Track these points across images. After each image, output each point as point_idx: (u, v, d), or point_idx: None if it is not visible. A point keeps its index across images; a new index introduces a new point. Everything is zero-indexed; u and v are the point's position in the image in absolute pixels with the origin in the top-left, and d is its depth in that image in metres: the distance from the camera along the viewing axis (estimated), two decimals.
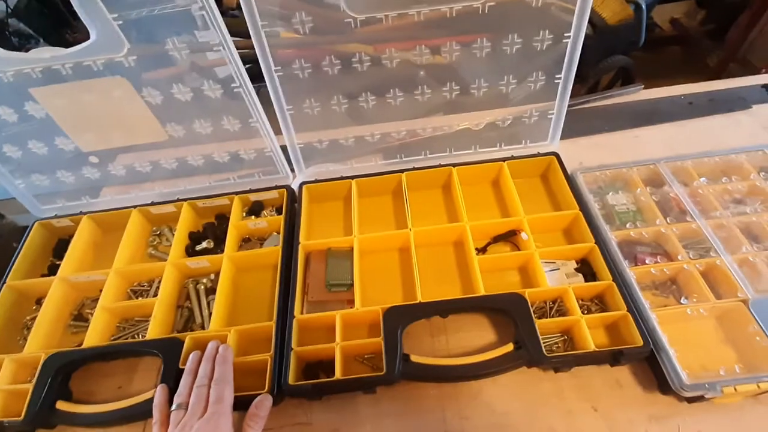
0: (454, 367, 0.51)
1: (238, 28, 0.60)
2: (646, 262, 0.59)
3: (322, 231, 0.69)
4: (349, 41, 0.59)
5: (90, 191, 0.72)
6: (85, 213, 0.71)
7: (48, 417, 0.52)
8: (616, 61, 1.54)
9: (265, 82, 0.60)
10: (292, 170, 0.73)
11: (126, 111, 0.59)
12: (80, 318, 0.64)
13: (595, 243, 0.59)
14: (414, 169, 0.71)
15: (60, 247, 0.72)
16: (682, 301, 0.56)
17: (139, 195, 0.73)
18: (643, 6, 1.45)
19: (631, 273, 0.56)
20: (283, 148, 0.70)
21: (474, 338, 0.58)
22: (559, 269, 0.61)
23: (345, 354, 0.54)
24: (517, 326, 0.53)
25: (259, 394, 0.50)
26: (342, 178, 0.72)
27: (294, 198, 0.71)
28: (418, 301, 0.56)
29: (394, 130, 0.71)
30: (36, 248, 0.71)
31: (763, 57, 1.83)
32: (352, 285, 0.61)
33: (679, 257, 0.58)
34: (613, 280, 0.56)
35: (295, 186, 0.72)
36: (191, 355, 0.52)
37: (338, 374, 0.51)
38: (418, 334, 0.59)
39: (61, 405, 0.53)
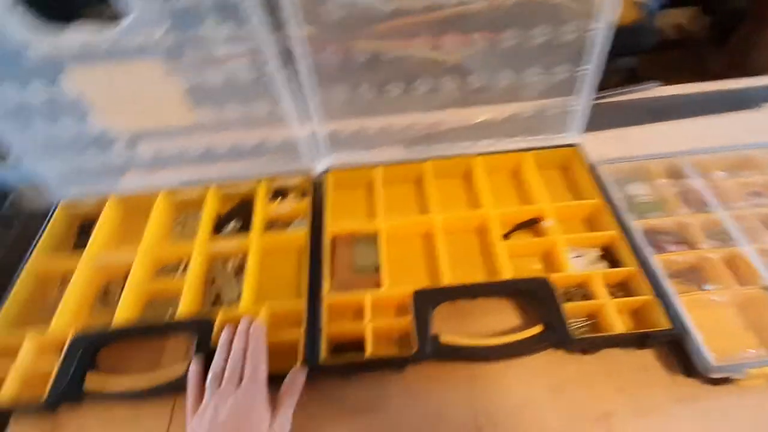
0: (484, 348, 0.52)
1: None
2: (670, 250, 0.60)
3: (346, 217, 0.70)
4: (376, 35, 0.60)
5: (115, 173, 0.72)
6: (110, 195, 0.71)
7: (74, 395, 0.52)
8: (624, 63, 1.56)
9: (294, 68, 0.61)
10: (317, 157, 0.74)
11: (158, 93, 0.60)
12: (107, 298, 0.64)
13: (620, 231, 0.60)
14: (438, 157, 0.72)
15: (84, 229, 0.72)
16: (704, 287, 0.57)
17: (164, 179, 0.73)
18: (652, 9, 1.47)
19: (655, 260, 0.57)
20: (309, 136, 0.71)
21: (499, 322, 0.59)
22: (582, 256, 0.62)
23: (376, 333, 0.55)
24: (543, 309, 0.54)
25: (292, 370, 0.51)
26: (366, 165, 0.72)
27: (318, 184, 0.72)
28: (446, 285, 0.57)
29: (418, 121, 0.72)
30: (60, 229, 0.71)
31: (765, 64, 1.86)
32: (378, 268, 0.61)
33: (702, 245, 0.59)
34: (639, 267, 0.57)
35: (319, 172, 0.73)
36: (224, 329, 0.52)
37: (368, 353, 0.52)
38: (444, 318, 0.59)
39: (90, 382, 0.54)
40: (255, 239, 0.64)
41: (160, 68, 0.57)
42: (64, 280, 0.66)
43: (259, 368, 0.48)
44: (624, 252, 0.59)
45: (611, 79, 1.65)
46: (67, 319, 0.59)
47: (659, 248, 0.61)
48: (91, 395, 0.53)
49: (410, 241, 0.68)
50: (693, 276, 0.59)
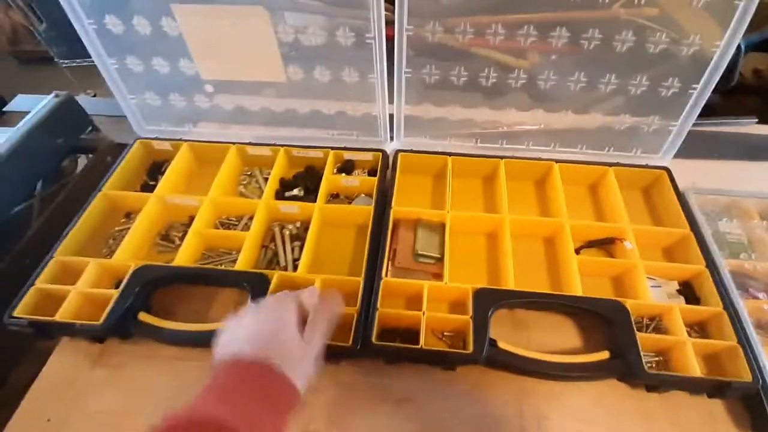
0: (546, 363, 0.49)
1: None
2: (759, 297, 0.55)
3: (412, 201, 0.68)
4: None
5: (195, 120, 0.73)
6: (185, 140, 0.72)
7: (128, 326, 0.53)
8: None
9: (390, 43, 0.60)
10: (391, 137, 0.72)
11: (255, 44, 0.60)
12: (167, 238, 0.65)
13: (706, 266, 0.56)
14: (513, 158, 0.69)
15: (154, 169, 0.74)
16: None
17: (238, 133, 0.73)
18: (743, 46, 1.37)
19: (743, 305, 0.53)
20: (388, 114, 0.69)
21: (558, 340, 0.56)
22: (660, 287, 0.57)
23: (427, 325, 0.53)
24: (615, 335, 0.51)
25: (342, 346, 0.50)
26: (437, 152, 0.70)
27: (387, 163, 0.70)
28: (510, 288, 0.55)
29: (504, 118, 0.69)
30: (133, 165, 0.73)
31: None
32: (440, 259, 0.59)
33: None
34: (723, 308, 0.52)
35: (390, 152, 0.71)
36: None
37: (422, 343, 0.50)
38: (499, 323, 0.57)
39: (144, 317, 0.54)
40: (318, 208, 0.63)
41: (266, 17, 0.56)
42: (130, 215, 0.68)
43: (315, 299, 0.43)
44: (708, 290, 0.55)
45: None
46: (130, 251, 0.60)
47: (747, 294, 0.56)
48: (143, 329, 0.54)
49: (474, 238, 0.65)
50: None
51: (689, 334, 0.54)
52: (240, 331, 0.40)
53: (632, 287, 0.57)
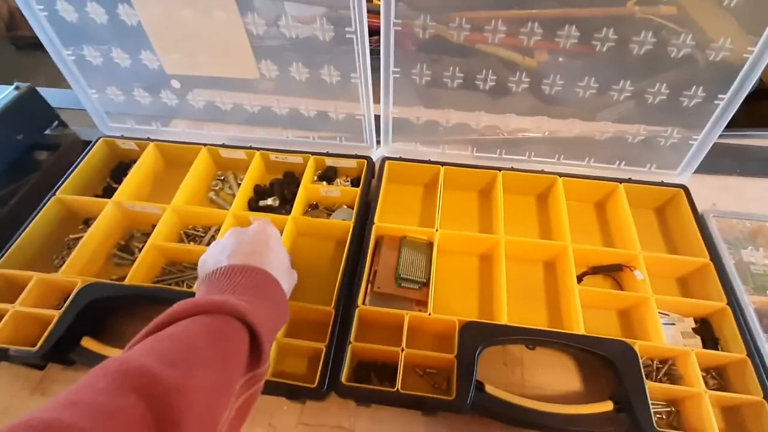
0: (539, 413, 0.43)
1: None
2: None
3: (398, 215, 0.61)
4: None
5: (162, 119, 0.67)
6: (152, 140, 0.66)
7: (69, 352, 0.47)
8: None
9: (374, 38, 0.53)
10: (378, 141, 0.66)
11: (223, 36, 0.53)
12: (126, 249, 0.59)
13: (727, 303, 0.49)
14: (512, 169, 0.62)
15: (119, 171, 0.68)
16: None
17: (211, 133, 0.67)
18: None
19: None
20: (374, 117, 0.62)
21: (556, 381, 0.49)
22: (674, 324, 0.51)
23: (406, 362, 0.47)
24: (621, 383, 0.44)
25: (306, 387, 0.43)
26: (430, 161, 0.63)
27: (373, 172, 0.63)
28: (503, 323, 0.48)
29: (502, 123, 0.62)
30: (95, 166, 0.66)
31: None
32: (425, 284, 0.53)
33: None
34: (747, 355, 0.45)
35: (376, 159, 0.65)
36: None
37: (399, 386, 0.44)
38: (489, 359, 0.50)
39: (87, 342, 0.48)
40: (293, 220, 0.57)
41: (234, 6, 0.49)
42: (89, 222, 0.62)
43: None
44: (729, 331, 0.48)
45: None
46: (80, 265, 0.54)
47: None
48: (86, 357, 0.48)
49: (466, 259, 0.58)
50: None
51: (706, 382, 0.47)
52: (227, 247, 0.39)
53: (642, 324, 0.50)
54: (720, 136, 0.76)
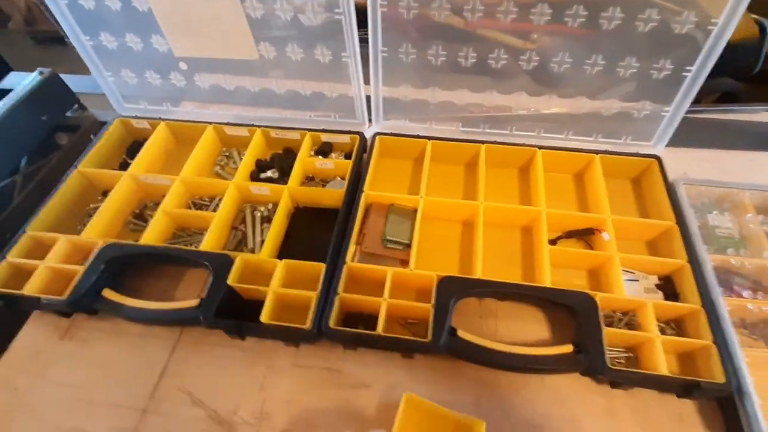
0: (504, 354, 0.48)
1: None
2: (744, 295, 0.52)
3: (387, 186, 0.66)
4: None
5: (172, 100, 0.73)
6: (163, 119, 0.72)
7: (92, 302, 0.54)
8: (723, 84, 1.37)
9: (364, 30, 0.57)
10: (370, 119, 0.70)
11: (225, 20, 0.58)
12: (140, 217, 0.65)
13: (688, 261, 0.53)
14: (496, 143, 0.67)
15: (134, 148, 0.74)
16: None
17: (217, 113, 0.73)
18: None
19: (723, 303, 0.50)
20: (366, 96, 0.67)
21: (526, 331, 0.54)
22: (638, 281, 0.55)
23: (390, 312, 0.52)
24: (580, 329, 0.48)
25: (300, 328, 0.49)
26: (418, 136, 0.68)
27: (365, 146, 0.68)
28: (476, 277, 0.53)
29: (485, 101, 0.66)
30: (112, 143, 0.73)
31: None
32: (409, 245, 0.58)
33: None
34: (702, 306, 0.49)
35: (368, 135, 0.69)
36: None
37: (380, 329, 0.49)
38: (466, 312, 0.55)
39: (108, 293, 0.55)
40: (288, 190, 0.62)
41: None
42: (107, 193, 0.68)
43: None
44: (688, 286, 0.52)
45: (704, 98, 1.46)
46: (100, 229, 0.61)
47: (731, 291, 0.53)
48: (107, 306, 0.54)
49: (449, 226, 0.63)
50: (764, 332, 0.51)
51: (664, 331, 0.51)
52: None
53: (607, 280, 0.54)
54: (705, 111, 0.80)
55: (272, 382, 0.51)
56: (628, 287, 0.53)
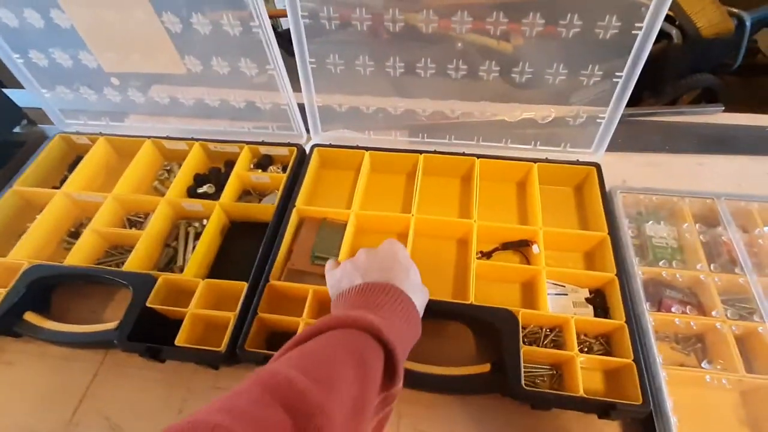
0: (419, 375, 0.46)
1: None
2: (672, 310, 0.50)
3: (323, 199, 0.65)
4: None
5: (111, 114, 0.72)
6: (104, 134, 0.71)
7: (13, 325, 0.53)
8: (701, 80, 1.34)
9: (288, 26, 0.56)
10: (308, 130, 0.69)
11: (146, 34, 0.57)
12: (76, 236, 0.64)
13: (616, 274, 0.51)
14: (435, 152, 0.65)
15: (76, 164, 0.73)
16: (703, 365, 0.48)
17: (157, 126, 0.72)
18: (748, 23, 1.24)
19: (649, 318, 0.48)
20: (301, 107, 0.66)
21: (452, 348, 0.53)
22: (567, 295, 0.53)
23: None
24: (500, 347, 0.47)
25: (215, 351, 0.48)
26: (357, 147, 0.67)
27: (303, 159, 0.67)
28: None
29: (419, 107, 0.64)
30: (53, 160, 0.72)
31: None
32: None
33: (714, 313, 0.49)
34: (626, 322, 0.48)
35: (307, 147, 0.68)
36: None
37: None
38: None
39: (29, 316, 0.54)
40: (220, 206, 0.61)
41: (149, 7, 0.53)
42: None
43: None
44: (616, 300, 0.50)
45: (685, 96, 1.43)
46: (30, 249, 0.60)
47: (661, 305, 0.51)
48: (28, 329, 0.53)
49: (382, 238, 0.61)
50: (695, 347, 0.50)
51: (591, 348, 0.50)
52: (359, 266, 0.41)
53: (535, 295, 0.53)
54: (655, 114, 0.78)
55: (192, 405, 0.50)
56: (556, 302, 0.52)
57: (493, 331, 0.49)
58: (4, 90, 0.79)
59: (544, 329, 0.51)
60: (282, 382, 0.27)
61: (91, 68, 0.64)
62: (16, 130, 0.82)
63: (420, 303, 0.41)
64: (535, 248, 0.55)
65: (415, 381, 0.47)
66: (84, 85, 0.67)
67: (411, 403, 0.49)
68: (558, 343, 0.50)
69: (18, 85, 0.82)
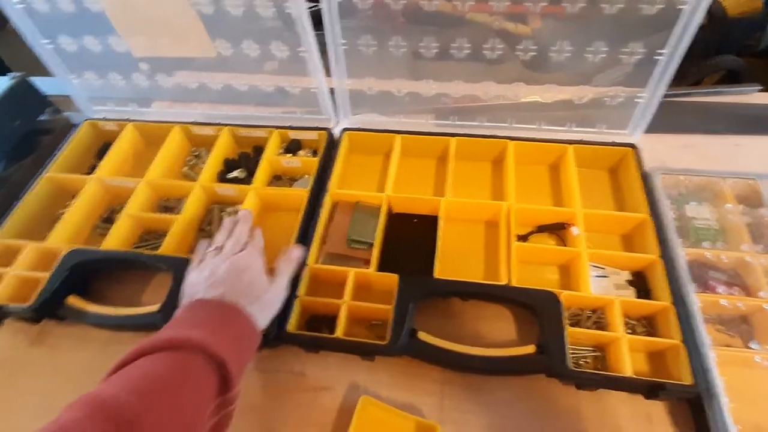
0: (464, 356, 0.46)
1: None
2: (718, 291, 0.50)
3: (355, 183, 0.65)
4: None
5: (139, 100, 0.72)
6: (131, 120, 0.71)
7: (56, 309, 0.54)
8: (725, 62, 1.30)
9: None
10: (337, 114, 0.69)
11: (176, 18, 0.57)
12: (109, 221, 0.65)
13: (660, 256, 0.51)
14: (466, 135, 0.64)
15: (104, 151, 0.73)
16: (751, 345, 0.47)
17: (183, 112, 0.71)
18: None
19: (695, 299, 0.48)
20: (331, 91, 0.65)
21: (492, 331, 0.52)
22: (608, 277, 0.53)
23: (351, 314, 0.51)
24: (543, 328, 0.47)
25: None
26: (387, 131, 0.66)
27: (333, 143, 0.67)
28: (436, 277, 0.51)
29: (452, 90, 0.63)
30: (82, 146, 0.72)
31: None
32: (373, 245, 0.56)
33: (761, 294, 0.48)
34: (672, 303, 0.47)
35: (336, 131, 0.68)
36: (227, 219, 0.52)
37: (339, 332, 0.48)
38: (431, 311, 0.54)
39: (72, 300, 0.55)
40: (254, 191, 0.61)
41: None
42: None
43: (257, 241, 0.49)
44: (659, 282, 0.50)
45: (707, 78, 1.40)
46: (66, 234, 0.60)
47: (706, 286, 0.51)
48: (71, 312, 0.54)
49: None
50: (741, 328, 0.49)
51: (635, 330, 0.50)
52: (201, 279, 0.43)
53: (575, 277, 0.53)
54: (689, 95, 0.76)
55: None
56: (597, 284, 0.52)
57: (535, 312, 0.49)
58: (30, 78, 0.79)
59: (584, 311, 0.51)
60: (104, 398, 0.30)
61: (120, 53, 0.63)
62: (42, 117, 0.82)
63: (264, 314, 0.44)
64: (574, 230, 0.54)
65: (458, 362, 0.47)
66: (113, 71, 0.67)
67: (453, 385, 0.49)
68: (601, 325, 0.50)
69: (41, 73, 0.83)
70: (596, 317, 0.50)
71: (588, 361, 0.48)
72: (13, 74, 0.78)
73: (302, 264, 0.53)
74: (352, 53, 0.59)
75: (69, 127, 0.79)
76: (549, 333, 0.46)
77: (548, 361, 0.45)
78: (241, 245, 0.48)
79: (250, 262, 0.45)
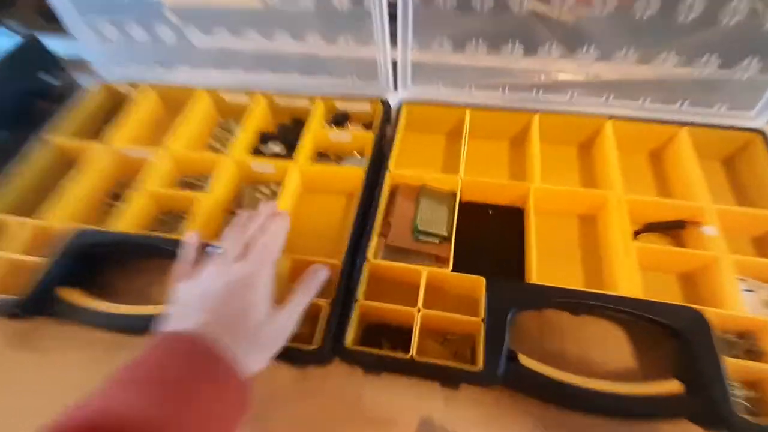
0: (588, 392, 0.35)
1: None
2: None
3: (417, 163, 0.53)
4: None
5: (162, 62, 0.61)
6: (151, 83, 0.60)
7: (53, 304, 0.43)
8: None
9: None
10: (396, 84, 0.58)
11: None
12: (117, 198, 0.54)
13: None
14: (551, 111, 0.53)
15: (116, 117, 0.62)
16: None
17: (213, 76, 0.61)
18: None
19: None
20: (391, 56, 0.54)
21: (602, 353, 0.41)
22: (754, 292, 0.41)
23: (423, 325, 0.40)
24: (689, 358, 0.35)
25: (305, 349, 0.37)
26: (454, 104, 0.55)
27: (389, 116, 0.56)
28: (539, 283, 0.40)
29: (530, 67, 0.52)
30: (95, 111, 0.62)
31: None
32: (446, 238, 0.45)
33: None
34: None
35: (393, 102, 0.57)
36: (240, 212, 0.40)
37: (413, 351, 0.37)
38: (521, 324, 0.43)
39: (65, 293, 0.43)
40: (298, 168, 0.50)
41: None
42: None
43: (271, 249, 0.36)
44: None
45: None
46: (69, 211, 0.49)
47: None
48: (61, 310, 0.43)
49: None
50: None
51: None
52: (193, 299, 0.34)
53: (712, 290, 0.41)
54: None
55: (273, 411, 0.40)
56: (744, 301, 0.40)
57: (677, 335, 0.37)
58: (40, 37, 0.69)
59: (728, 335, 0.39)
60: None
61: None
62: (51, 80, 0.71)
63: (255, 359, 0.32)
64: (707, 230, 0.43)
65: (576, 400, 0.36)
66: (131, 19, 0.56)
67: (557, 425, 0.37)
68: (754, 355, 0.38)
69: (54, 31, 0.72)
70: (748, 344, 0.38)
71: (742, 402, 0.37)
72: (21, 33, 0.68)
73: (352, 264, 0.42)
74: (424, 11, 0.48)
75: (82, 92, 0.69)
76: (700, 365, 0.34)
77: (705, 404, 0.33)
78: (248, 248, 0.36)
79: (252, 280, 0.34)
